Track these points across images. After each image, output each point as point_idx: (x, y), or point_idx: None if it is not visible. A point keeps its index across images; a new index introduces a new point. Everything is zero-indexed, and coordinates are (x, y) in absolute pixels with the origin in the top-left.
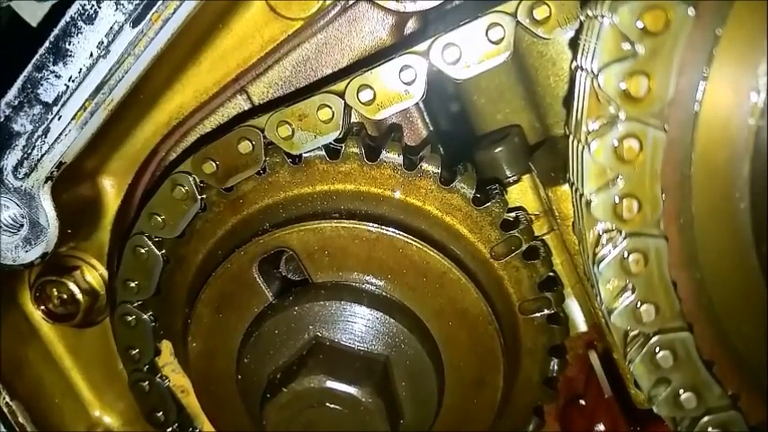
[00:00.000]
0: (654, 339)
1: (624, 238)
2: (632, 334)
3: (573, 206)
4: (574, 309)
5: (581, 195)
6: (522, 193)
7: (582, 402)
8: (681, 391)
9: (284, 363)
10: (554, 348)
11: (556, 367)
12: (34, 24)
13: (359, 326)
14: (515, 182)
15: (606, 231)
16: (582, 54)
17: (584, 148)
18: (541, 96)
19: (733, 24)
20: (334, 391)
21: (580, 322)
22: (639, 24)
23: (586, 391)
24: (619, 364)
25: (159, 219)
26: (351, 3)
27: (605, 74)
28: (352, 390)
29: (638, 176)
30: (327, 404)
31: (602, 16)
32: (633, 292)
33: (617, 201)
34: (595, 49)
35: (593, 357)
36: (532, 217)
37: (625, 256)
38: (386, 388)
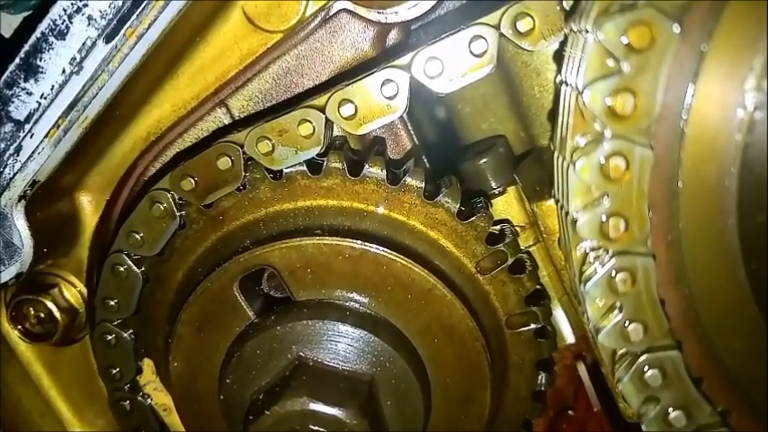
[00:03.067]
0: (642, 358)
1: (611, 257)
2: (620, 352)
3: (558, 223)
4: (561, 320)
5: (566, 213)
6: (507, 205)
7: (571, 413)
8: (670, 409)
9: (267, 383)
10: (542, 362)
11: (544, 381)
12: (7, 36)
13: (343, 345)
14: (500, 193)
15: (593, 250)
16: (566, 68)
17: (569, 165)
18: (526, 106)
19: (718, 40)
20: (318, 413)
21: (568, 333)
22: (624, 41)
23: (575, 402)
24: (607, 377)
25: (138, 236)
26: (331, 14)
27: (590, 91)
28: (336, 412)
29: (625, 195)
30: (311, 426)
31: (587, 32)
32: (621, 311)
33: (603, 219)
34: (580, 64)
35: (582, 369)
36: (518, 229)
37: (612, 275)
38: (371, 408)
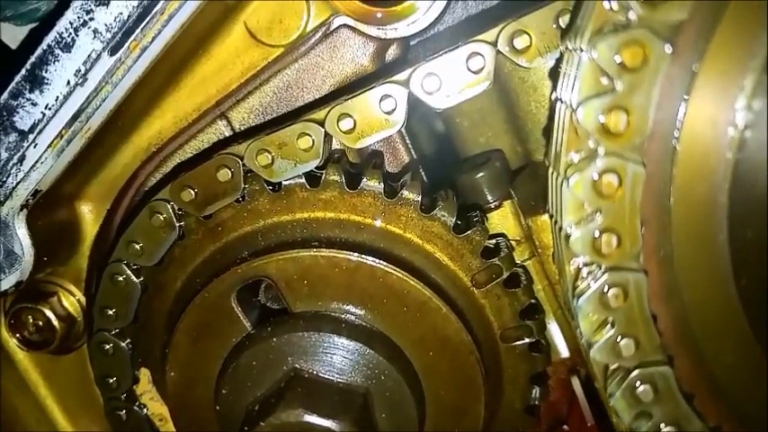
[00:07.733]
0: (634, 373)
1: (604, 273)
2: (612, 368)
3: (552, 238)
4: (556, 334)
5: (560, 228)
6: (503, 219)
7: (565, 427)
8: (662, 425)
9: (262, 394)
10: (536, 376)
11: (538, 395)
12: (14, 47)
13: (338, 357)
14: (496, 207)
15: (586, 265)
16: (562, 85)
17: (563, 181)
18: (523, 121)
19: (710, 60)
20: (313, 425)
21: (562, 347)
22: (618, 60)
23: (569, 415)
24: (600, 392)
25: (137, 246)
26: (331, 30)
27: (584, 108)
28: (330, 424)
29: (618, 211)
30: None
31: (581, 50)
32: (613, 327)
33: (596, 235)
34: (575, 82)
35: (576, 384)
36: (513, 243)
37: (605, 290)
38: (365, 421)
